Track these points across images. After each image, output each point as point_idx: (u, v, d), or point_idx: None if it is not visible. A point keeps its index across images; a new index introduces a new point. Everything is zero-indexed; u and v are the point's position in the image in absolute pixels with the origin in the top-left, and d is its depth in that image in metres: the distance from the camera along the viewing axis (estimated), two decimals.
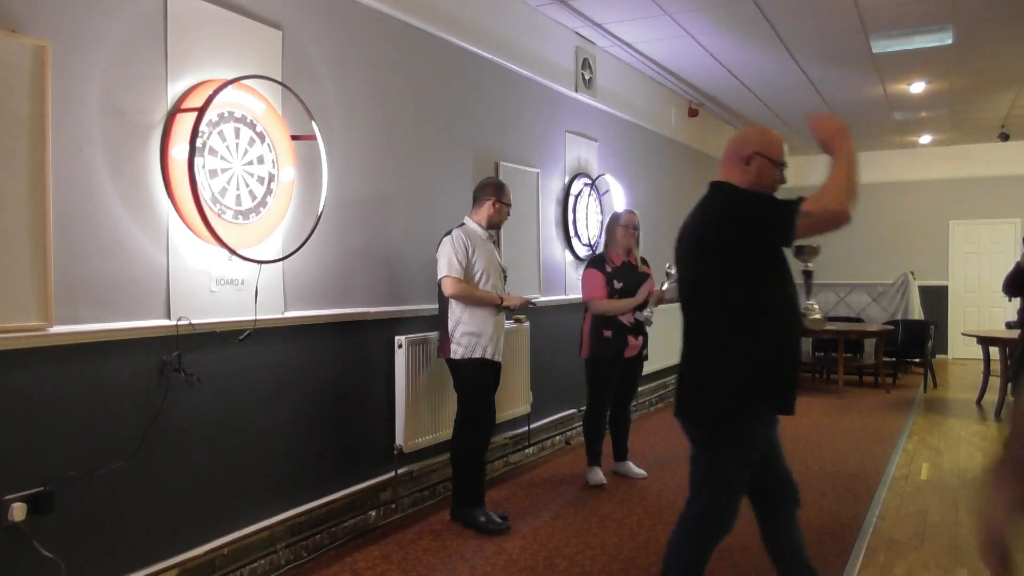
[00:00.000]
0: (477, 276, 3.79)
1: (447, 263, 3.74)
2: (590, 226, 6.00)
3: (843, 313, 10.68)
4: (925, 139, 10.62)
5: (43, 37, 2.40)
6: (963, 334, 9.30)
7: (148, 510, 2.78)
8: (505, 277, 4.04)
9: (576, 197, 5.80)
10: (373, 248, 3.87)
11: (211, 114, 2.85)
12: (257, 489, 3.22)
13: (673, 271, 4.72)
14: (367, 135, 3.83)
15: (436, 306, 4.24)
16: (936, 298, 10.76)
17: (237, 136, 2.99)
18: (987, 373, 7.48)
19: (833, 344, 8.32)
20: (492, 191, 3.92)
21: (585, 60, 5.97)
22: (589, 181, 6.01)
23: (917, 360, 9.02)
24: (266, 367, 3.26)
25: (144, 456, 2.74)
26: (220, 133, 2.92)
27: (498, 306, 3.85)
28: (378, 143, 3.90)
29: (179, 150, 2.79)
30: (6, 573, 2.36)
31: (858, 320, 9.86)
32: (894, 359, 8.85)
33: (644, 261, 4.88)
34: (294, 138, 3.25)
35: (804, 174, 12.14)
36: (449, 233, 3.82)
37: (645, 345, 4.73)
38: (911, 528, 3.88)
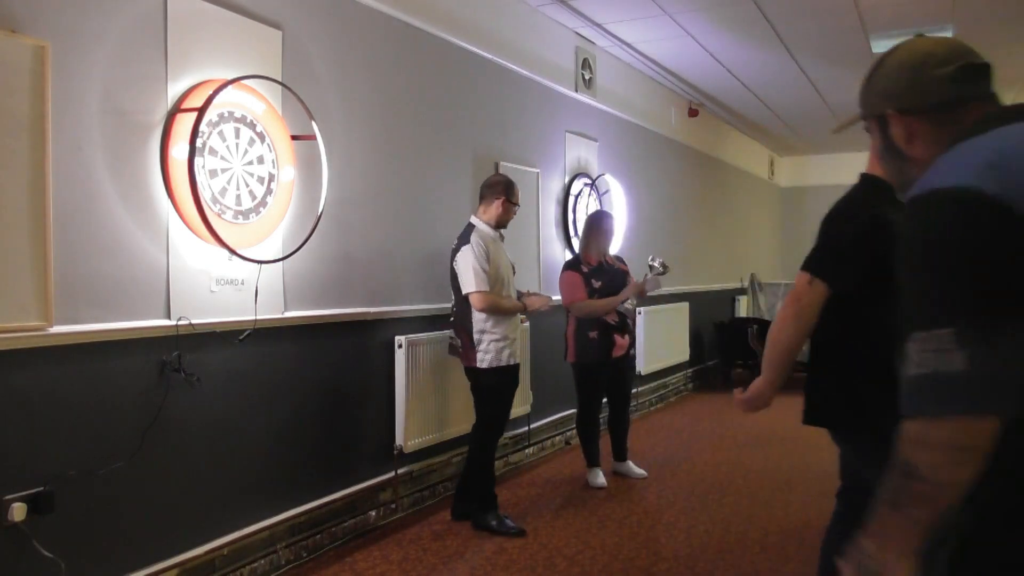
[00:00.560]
0: (495, 280, 3.77)
1: (474, 277, 3.68)
2: None
3: None
4: None
5: (43, 37, 2.40)
6: None
7: (148, 510, 2.78)
8: (514, 272, 4.04)
9: (576, 197, 5.80)
10: (373, 248, 3.86)
11: (211, 114, 2.85)
12: (257, 489, 3.22)
13: (656, 263, 4.72)
14: (367, 135, 3.83)
15: (436, 306, 4.24)
16: None
17: (237, 136, 2.99)
18: None
19: None
20: (501, 190, 3.88)
21: (585, 60, 5.97)
22: (589, 181, 6.01)
23: None
24: (266, 367, 3.26)
25: (144, 456, 2.74)
26: (220, 133, 2.92)
27: (523, 311, 3.86)
28: (378, 143, 3.90)
29: (179, 150, 2.79)
30: (6, 573, 2.36)
31: None
32: None
33: (620, 259, 4.90)
34: (294, 138, 3.25)
35: (802, 174, 12.18)
36: (468, 242, 3.75)
37: (633, 344, 4.71)
38: None
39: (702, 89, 7.71)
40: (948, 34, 5.86)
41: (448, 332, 4.01)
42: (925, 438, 1.00)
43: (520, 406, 4.93)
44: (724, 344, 8.73)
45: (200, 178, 2.81)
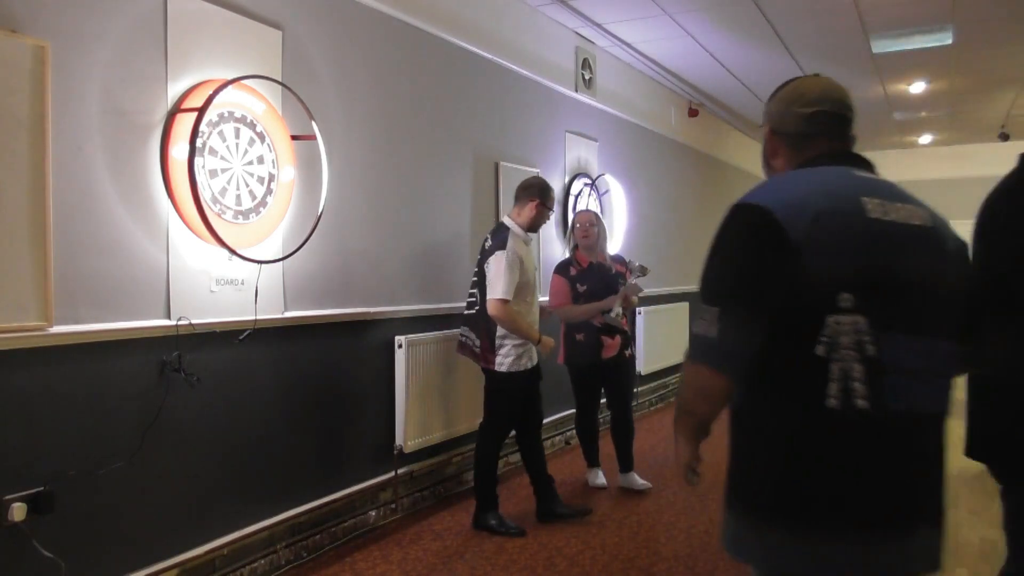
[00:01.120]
0: (524, 287, 3.73)
1: (504, 285, 3.62)
2: None
3: None
4: (925, 139, 10.62)
5: (43, 37, 2.40)
6: None
7: (148, 510, 2.78)
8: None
9: (576, 197, 5.79)
10: (373, 248, 3.86)
11: (211, 114, 2.85)
12: (257, 489, 3.22)
13: (635, 266, 4.63)
14: (367, 135, 3.83)
15: (436, 306, 4.25)
16: None
17: (237, 136, 2.99)
18: None
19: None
20: (537, 192, 3.82)
21: (585, 60, 5.97)
22: (589, 181, 6.01)
23: None
24: (266, 367, 3.26)
25: (144, 456, 2.74)
26: (220, 133, 2.92)
27: (534, 341, 3.78)
28: (378, 143, 3.90)
29: (179, 150, 2.79)
30: (6, 573, 2.36)
31: None
32: None
33: (621, 259, 4.75)
34: (294, 138, 3.25)
35: None
36: (503, 247, 3.68)
37: (627, 345, 4.56)
38: None
39: (702, 89, 7.71)
40: (948, 34, 5.87)
41: (458, 330, 3.97)
42: (686, 377, 1.46)
43: None
44: None
45: (200, 178, 2.81)
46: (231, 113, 2.96)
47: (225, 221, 2.93)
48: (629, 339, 4.65)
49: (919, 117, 9.09)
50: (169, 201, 2.82)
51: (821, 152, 1.50)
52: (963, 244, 1.52)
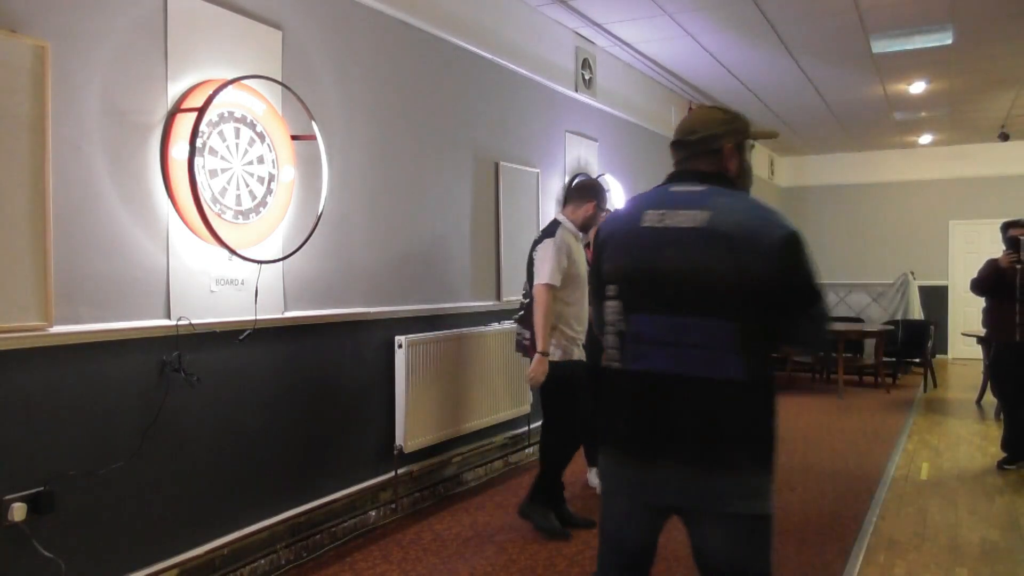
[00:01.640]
0: (574, 279, 3.71)
1: (549, 268, 3.61)
2: None
3: (843, 313, 10.67)
4: (925, 139, 10.62)
5: (43, 37, 2.40)
6: (963, 334, 9.29)
7: (148, 510, 2.78)
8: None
9: None
10: (373, 248, 3.86)
11: (211, 114, 2.85)
12: (257, 489, 3.22)
13: None
14: (367, 135, 3.83)
15: (436, 306, 4.25)
16: (936, 298, 10.76)
17: (237, 136, 2.99)
18: (987, 373, 7.48)
19: (833, 344, 8.33)
20: (594, 194, 3.85)
21: (585, 60, 5.97)
22: None
23: (917, 360, 9.01)
24: (266, 367, 3.26)
25: (144, 456, 2.74)
26: (220, 133, 2.92)
27: (534, 353, 3.67)
28: (378, 143, 3.90)
29: (179, 150, 2.79)
30: (6, 573, 2.36)
31: (858, 320, 9.86)
32: (894, 359, 8.85)
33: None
34: (294, 138, 3.25)
35: (802, 174, 12.18)
36: (552, 235, 3.70)
37: None
38: (911, 528, 3.88)
39: (702, 89, 7.71)
40: (948, 34, 5.87)
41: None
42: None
43: (520, 406, 4.94)
44: None
45: (200, 178, 2.81)
46: (231, 113, 2.96)
47: (225, 221, 2.93)
48: None
49: (919, 117, 9.09)
50: (169, 201, 2.82)
51: (668, 174, 1.95)
52: (774, 241, 1.71)
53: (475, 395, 4.50)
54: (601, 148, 6.29)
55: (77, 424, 2.55)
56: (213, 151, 2.89)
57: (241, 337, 3.10)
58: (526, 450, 5.13)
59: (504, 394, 4.79)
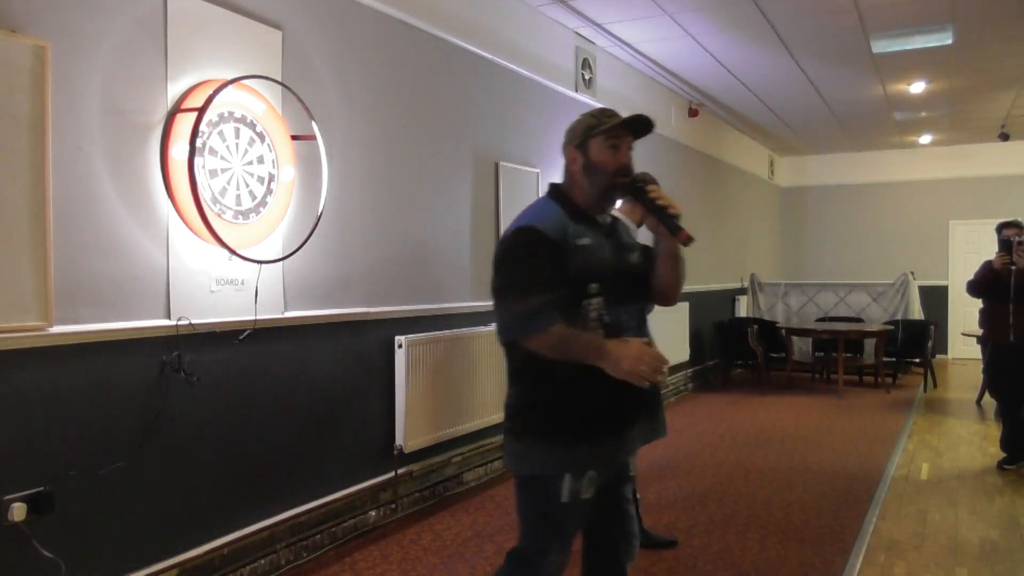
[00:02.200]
0: None
1: None
2: None
3: (843, 313, 10.67)
4: (925, 139, 10.62)
5: (43, 37, 2.40)
6: (963, 334, 9.29)
7: (148, 510, 2.78)
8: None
9: None
10: (373, 248, 3.86)
11: (211, 114, 2.85)
12: (257, 489, 3.22)
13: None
14: (367, 135, 3.83)
15: (436, 306, 4.25)
16: (936, 298, 10.76)
17: (237, 136, 2.99)
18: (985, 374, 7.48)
19: (833, 344, 8.32)
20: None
21: (585, 60, 5.97)
22: None
23: (917, 360, 9.01)
24: (266, 367, 3.26)
25: (144, 456, 2.74)
26: (220, 133, 2.92)
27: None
28: (378, 143, 3.90)
29: (179, 150, 2.79)
30: (6, 573, 2.36)
31: (858, 320, 9.85)
32: (894, 359, 8.85)
33: None
34: (294, 138, 3.25)
35: (802, 174, 12.18)
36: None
37: None
38: (911, 528, 3.88)
39: (702, 89, 7.71)
40: (948, 34, 5.87)
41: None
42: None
43: None
44: (724, 344, 8.73)
45: (200, 178, 2.81)
46: (231, 113, 2.96)
47: (225, 221, 2.93)
48: None
49: (919, 117, 9.09)
50: (169, 201, 2.82)
51: None
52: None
53: (475, 395, 4.50)
54: None
55: (77, 424, 2.55)
56: (213, 151, 2.89)
57: (241, 337, 3.10)
58: None
59: (504, 394, 4.78)
